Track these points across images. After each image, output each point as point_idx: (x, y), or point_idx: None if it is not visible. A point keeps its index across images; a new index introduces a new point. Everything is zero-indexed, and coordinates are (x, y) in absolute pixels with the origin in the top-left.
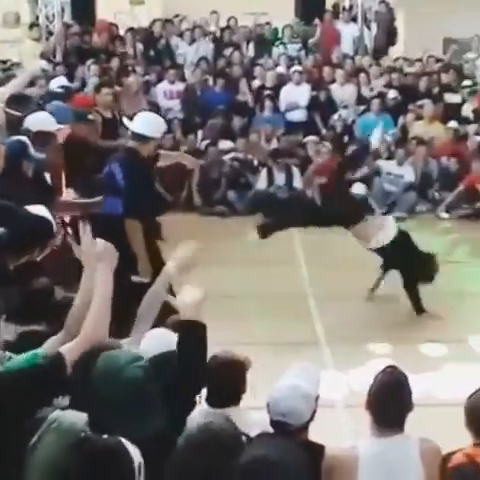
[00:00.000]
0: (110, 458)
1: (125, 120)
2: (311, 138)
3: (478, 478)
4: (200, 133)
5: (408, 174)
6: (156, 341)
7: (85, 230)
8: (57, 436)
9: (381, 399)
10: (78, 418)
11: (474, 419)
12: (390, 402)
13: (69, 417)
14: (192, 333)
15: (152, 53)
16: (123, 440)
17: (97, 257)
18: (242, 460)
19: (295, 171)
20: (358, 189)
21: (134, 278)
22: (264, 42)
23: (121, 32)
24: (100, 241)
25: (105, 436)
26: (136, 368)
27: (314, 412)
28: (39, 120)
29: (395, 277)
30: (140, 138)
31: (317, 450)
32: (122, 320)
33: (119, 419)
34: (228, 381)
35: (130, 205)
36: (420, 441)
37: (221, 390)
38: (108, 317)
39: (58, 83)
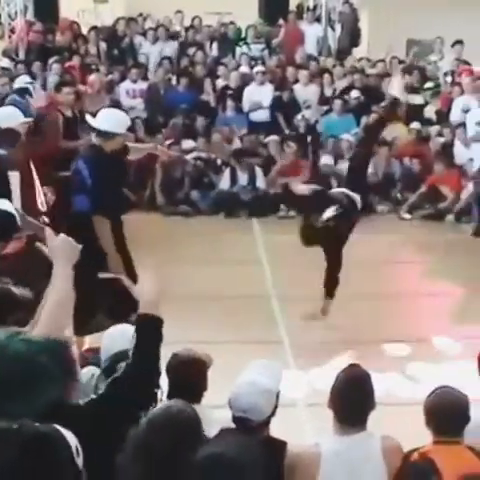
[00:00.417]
0: (45, 446)
1: (88, 117)
2: (273, 138)
3: (432, 473)
4: (163, 132)
5: None
6: (118, 337)
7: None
8: None
9: (343, 397)
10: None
11: (433, 417)
12: (352, 400)
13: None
14: (149, 325)
15: (115, 52)
16: (56, 426)
17: (55, 252)
18: (200, 455)
19: (258, 171)
20: (326, 160)
21: (102, 274)
22: (228, 42)
23: (84, 31)
24: (60, 236)
25: (36, 424)
26: (18, 342)
27: (275, 408)
28: (6, 115)
29: (356, 279)
30: (104, 135)
31: (279, 446)
32: (86, 315)
33: (12, 397)
34: (189, 379)
35: (97, 202)
36: (382, 439)
37: (182, 388)
38: (67, 312)
39: (22, 81)
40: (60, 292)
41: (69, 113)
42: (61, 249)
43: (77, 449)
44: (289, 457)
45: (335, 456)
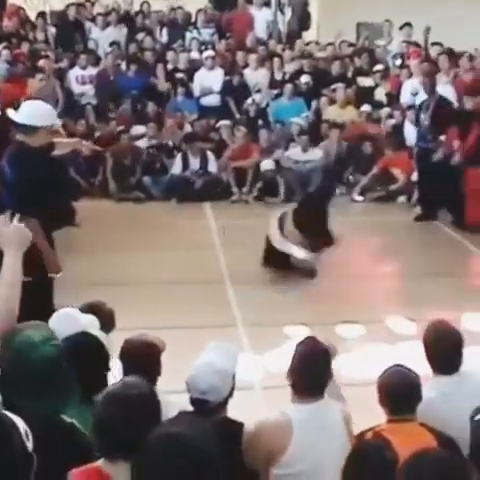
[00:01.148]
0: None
1: (9, 112)
2: (224, 122)
3: (387, 450)
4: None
5: (315, 158)
6: (65, 322)
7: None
8: None
9: (303, 368)
10: None
11: (385, 396)
12: (311, 370)
13: None
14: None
15: (65, 38)
16: (4, 411)
17: (7, 239)
18: (154, 435)
19: (210, 155)
20: (267, 165)
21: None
22: (177, 27)
23: (32, 16)
24: (13, 223)
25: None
26: (50, 346)
27: (232, 389)
28: None
29: None
30: (27, 129)
31: (236, 428)
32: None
33: (34, 397)
34: (142, 364)
35: (21, 200)
36: (339, 405)
37: (135, 373)
38: (16, 302)
39: None
40: (13, 284)
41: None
42: (13, 236)
43: (26, 433)
44: (249, 432)
45: (304, 421)
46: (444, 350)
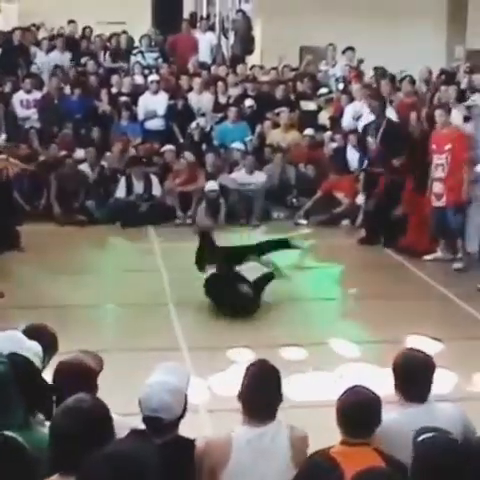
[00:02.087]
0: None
1: None
2: (169, 147)
3: (334, 469)
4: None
5: (259, 181)
6: (7, 342)
7: None
8: None
9: (253, 390)
10: None
11: (342, 418)
12: (262, 393)
13: None
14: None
15: (8, 61)
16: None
17: None
18: (102, 453)
19: (154, 179)
20: (211, 186)
21: None
22: (121, 51)
23: None
24: None
25: None
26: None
27: (184, 409)
28: None
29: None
30: None
31: (187, 444)
32: None
33: None
34: (76, 385)
35: None
36: (289, 428)
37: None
38: None
39: None
40: None
41: None
42: None
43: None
44: (200, 446)
45: (245, 443)
46: (414, 378)
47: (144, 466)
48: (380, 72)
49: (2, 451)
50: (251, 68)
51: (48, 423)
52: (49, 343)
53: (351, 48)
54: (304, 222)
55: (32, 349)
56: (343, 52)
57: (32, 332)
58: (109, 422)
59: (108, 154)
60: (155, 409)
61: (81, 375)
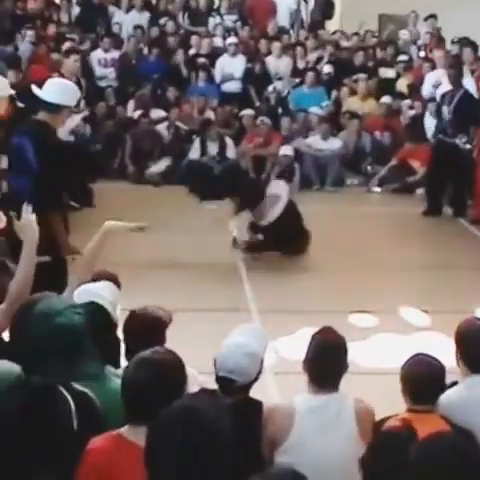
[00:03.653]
0: (47, 400)
1: (34, 88)
2: (247, 112)
3: (412, 441)
4: (131, 102)
5: (334, 148)
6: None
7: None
8: None
9: (318, 358)
10: (13, 366)
11: (408, 385)
12: (327, 361)
13: (3, 365)
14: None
15: (88, 20)
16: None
17: (20, 230)
18: (172, 405)
19: (228, 141)
20: (286, 151)
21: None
22: (200, 12)
23: None
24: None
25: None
26: (73, 313)
27: (259, 372)
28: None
29: (325, 250)
30: (53, 108)
31: (257, 406)
32: None
33: (54, 362)
34: (146, 336)
35: (41, 186)
36: (355, 401)
37: (139, 345)
38: (29, 286)
39: None
40: (28, 269)
41: (74, 80)
42: (24, 228)
43: (73, 410)
44: (265, 412)
45: (309, 413)
46: (477, 349)
47: (218, 424)
48: (464, 41)
49: (75, 405)
50: (333, 33)
51: (121, 373)
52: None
53: (433, 16)
54: (378, 190)
55: (108, 299)
56: (425, 19)
57: (102, 278)
58: (182, 374)
59: (183, 115)
60: (231, 370)
61: (151, 325)
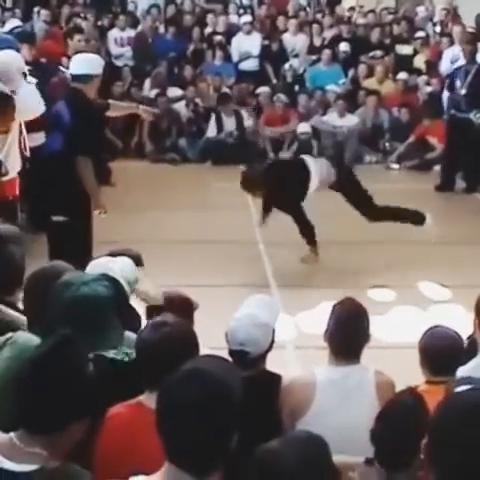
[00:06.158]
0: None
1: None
2: (264, 89)
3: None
4: (148, 81)
5: (351, 124)
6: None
7: None
8: (12, 350)
9: (339, 329)
10: (33, 338)
11: (426, 357)
12: (348, 332)
13: (25, 336)
14: None
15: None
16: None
17: None
18: (181, 368)
19: (244, 114)
20: (303, 128)
21: (56, 218)
22: None
23: None
24: None
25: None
26: (98, 285)
27: (272, 342)
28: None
29: (343, 226)
30: (82, 79)
31: (274, 379)
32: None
33: (78, 332)
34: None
35: (75, 142)
36: (376, 373)
37: None
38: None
39: (12, 25)
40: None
41: None
42: None
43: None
44: (285, 384)
45: (330, 384)
46: None
47: (225, 380)
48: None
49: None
50: (349, 10)
51: None
52: (135, 261)
53: None
54: (396, 166)
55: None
56: None
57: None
58: (193, 341)
59: (200, 93)
60: (241, 342)
61: (181, 307)
